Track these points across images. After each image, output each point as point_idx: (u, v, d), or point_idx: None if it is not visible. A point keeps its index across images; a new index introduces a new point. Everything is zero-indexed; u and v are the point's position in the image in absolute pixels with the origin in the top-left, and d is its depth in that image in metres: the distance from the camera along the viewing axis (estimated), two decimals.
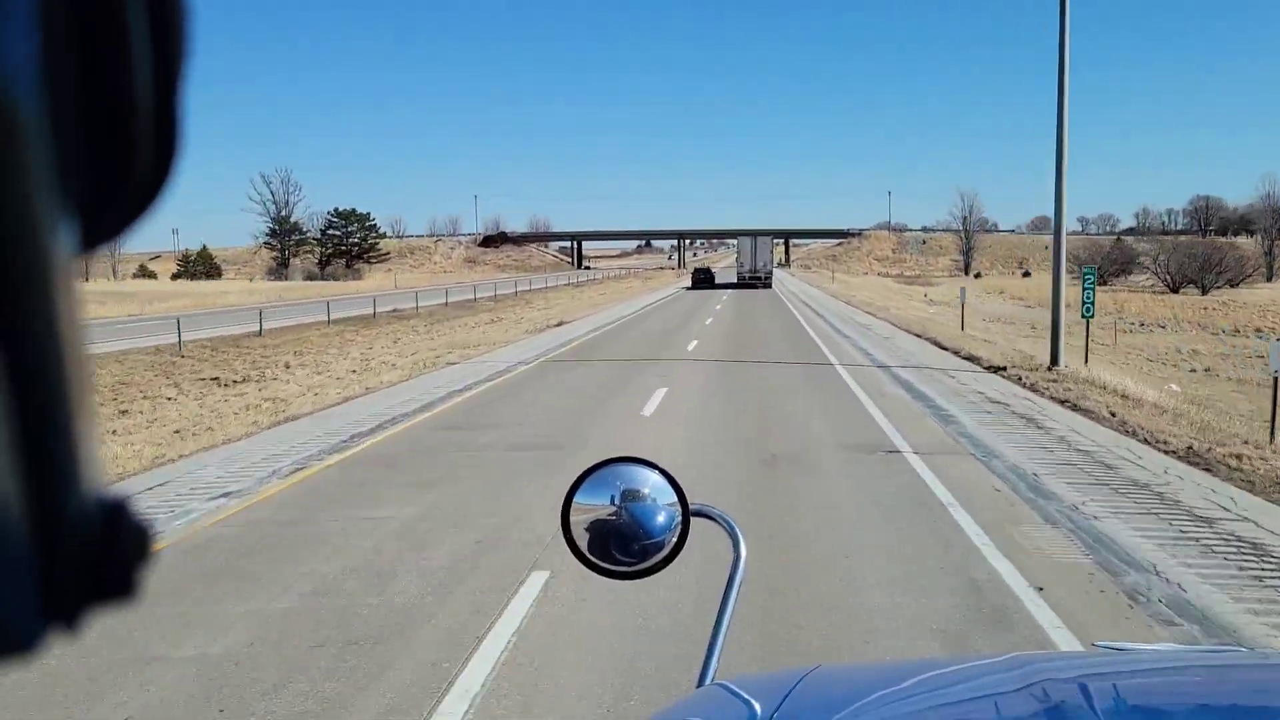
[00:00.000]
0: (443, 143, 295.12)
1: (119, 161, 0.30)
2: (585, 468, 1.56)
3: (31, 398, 0.28)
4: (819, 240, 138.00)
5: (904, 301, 44.73)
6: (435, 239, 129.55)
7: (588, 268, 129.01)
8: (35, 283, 0.27)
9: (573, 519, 1.53)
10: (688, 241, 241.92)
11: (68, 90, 0.29)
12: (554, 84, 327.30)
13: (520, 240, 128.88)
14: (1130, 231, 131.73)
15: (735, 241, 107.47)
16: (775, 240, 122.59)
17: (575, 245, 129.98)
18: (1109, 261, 78.00)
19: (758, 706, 1.30)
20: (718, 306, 35.72)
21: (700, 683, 1.54)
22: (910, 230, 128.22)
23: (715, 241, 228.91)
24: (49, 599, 0.28)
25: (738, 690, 1.41)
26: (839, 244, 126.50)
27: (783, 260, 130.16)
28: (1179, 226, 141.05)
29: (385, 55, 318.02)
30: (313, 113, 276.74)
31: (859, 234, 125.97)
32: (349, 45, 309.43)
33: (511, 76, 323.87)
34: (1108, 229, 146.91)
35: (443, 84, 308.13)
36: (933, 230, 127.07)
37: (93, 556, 0.30)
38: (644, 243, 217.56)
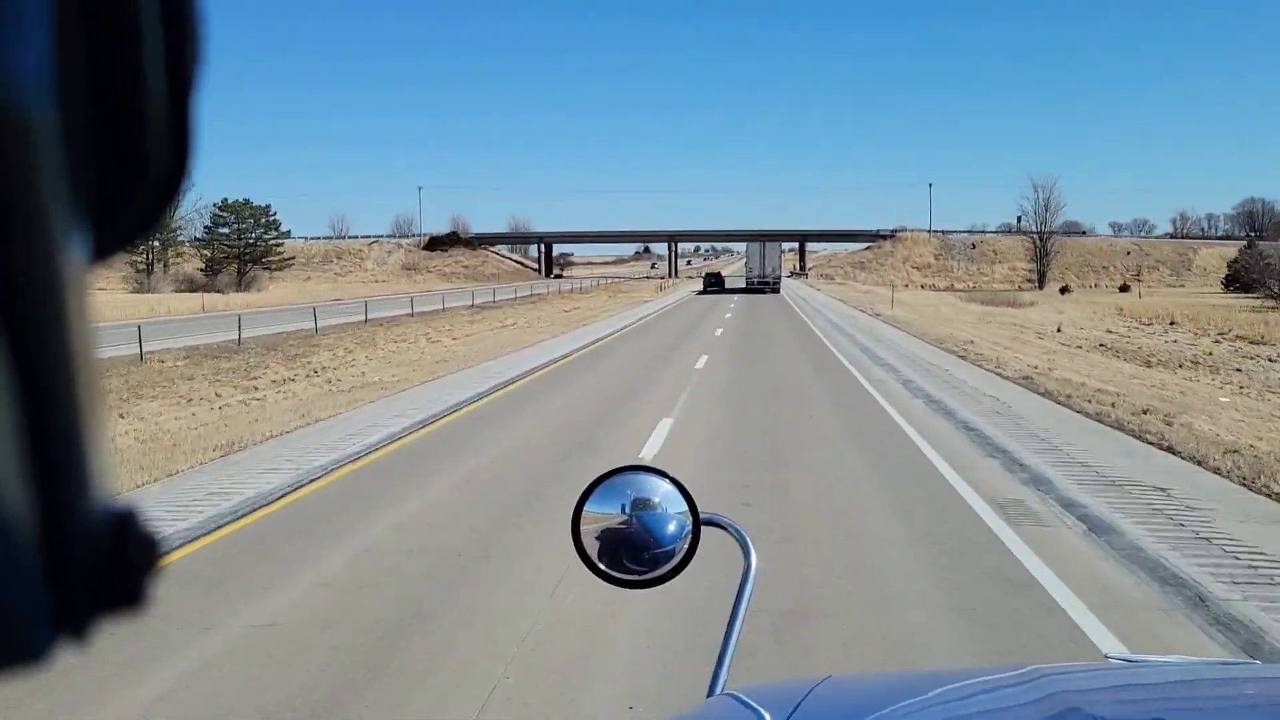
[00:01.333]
0: (398, 131, 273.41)
1: (132, 169, 0.30)
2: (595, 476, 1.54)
3: (42, 407, 0.27)
4: (840, 244, 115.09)
5: (1078, 359, 21.86)
6: (371, 241, 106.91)
7: (559, 276, 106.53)
8: (46, 292, 0.27)
9: (583, 528, 1.52)
10: (694, 246, 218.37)
11: (81, 98, 0.28)
12: (532, 66, 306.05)
13: (474, 243, 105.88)
14: (1171, 237, 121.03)
15: (741, 247, 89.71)
16: (787, 246, 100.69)
17: (544, 249, 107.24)
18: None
19: (768, 717, 1.31)
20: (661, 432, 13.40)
21: (710, 692, 1.53)
22: (955, 232, 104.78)
23: (720, 247, 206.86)
24: (58, 609, 0.28)
25: (748, 700, 1.41)
26: (866, 248, 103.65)
27: (796, 268, 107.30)
28: (1220, 231, 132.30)
29: (340, 39, 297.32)
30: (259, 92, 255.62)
31: (891, 236, 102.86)
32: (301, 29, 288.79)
33: (490, 63, 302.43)
34: (1141, 234, 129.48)
35: (409, 70, 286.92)
36: (983, 232, 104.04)
37: (102, 566, 0.29)
38: (642, 248, 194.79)
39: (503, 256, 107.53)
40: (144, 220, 0.31)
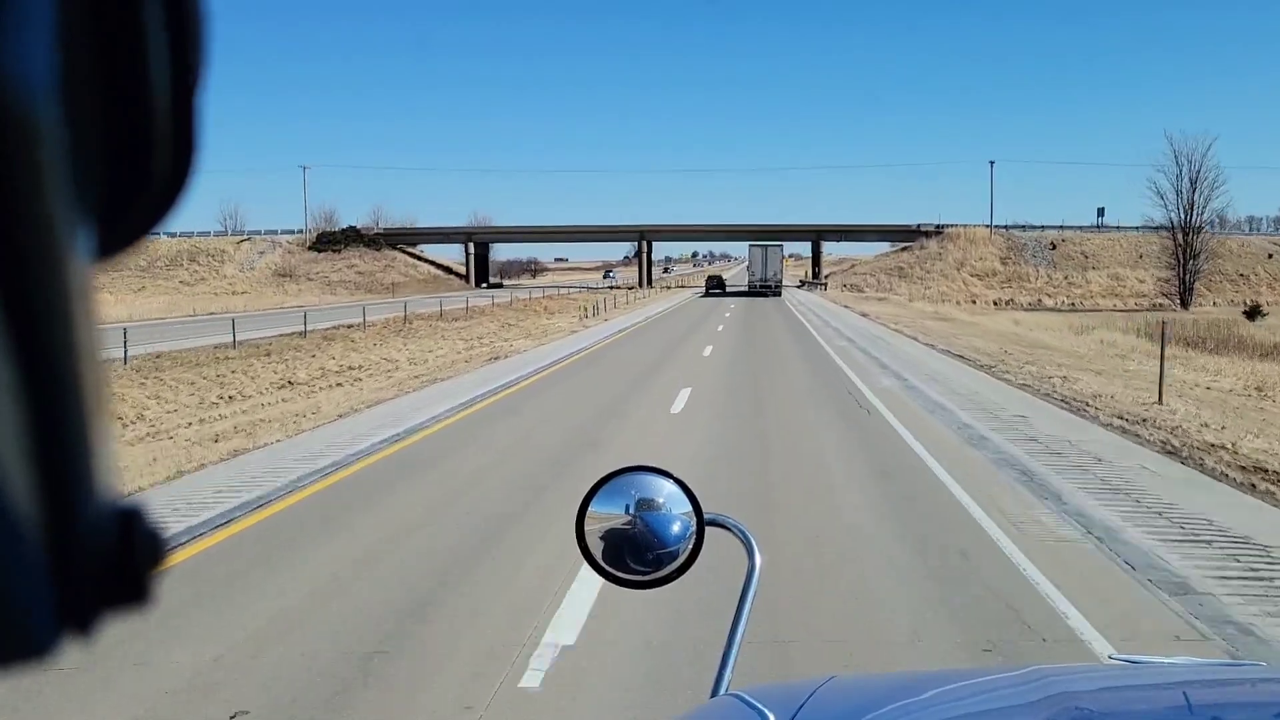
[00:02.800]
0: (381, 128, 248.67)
1: (137, 169, 0.30)
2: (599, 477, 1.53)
3: (48, 405, 0.27)
4: (863, 243, 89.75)
5: None
6: (241, 239, 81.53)
7: (498, 284, 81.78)
8: (53, 291, 0.27)
9: (587, 528, 1.53)
10: (691, 251, 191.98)
11: (87, 99, 0.29)
12: (517, 64, 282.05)
13: (380, 241, 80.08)
14: None
15: (740, 251, 79.45)
16: (790, 249, 76.15)
17: (473, 250, 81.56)
18: None
19: (771, 717, 1.31)
20: None
21: (714, 692, 1.54)
22: (1024, 228, 78.75)
23: (718, 252, 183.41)
24: (64, 605, 0.29)
25: (752, 701, 1.41)
26: (903, 249, 78.33)
27: (807, 275, 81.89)
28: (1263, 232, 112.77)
29: (336, 39, 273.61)
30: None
31: (936, 233, 77.40)
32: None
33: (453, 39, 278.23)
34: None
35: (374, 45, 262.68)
36: (1055, 228, 78.42)
37: (107, 563, 0.30)
38: (634, 251, 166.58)
39: (419, 259, 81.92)
40: (149, 219, 0.31)
